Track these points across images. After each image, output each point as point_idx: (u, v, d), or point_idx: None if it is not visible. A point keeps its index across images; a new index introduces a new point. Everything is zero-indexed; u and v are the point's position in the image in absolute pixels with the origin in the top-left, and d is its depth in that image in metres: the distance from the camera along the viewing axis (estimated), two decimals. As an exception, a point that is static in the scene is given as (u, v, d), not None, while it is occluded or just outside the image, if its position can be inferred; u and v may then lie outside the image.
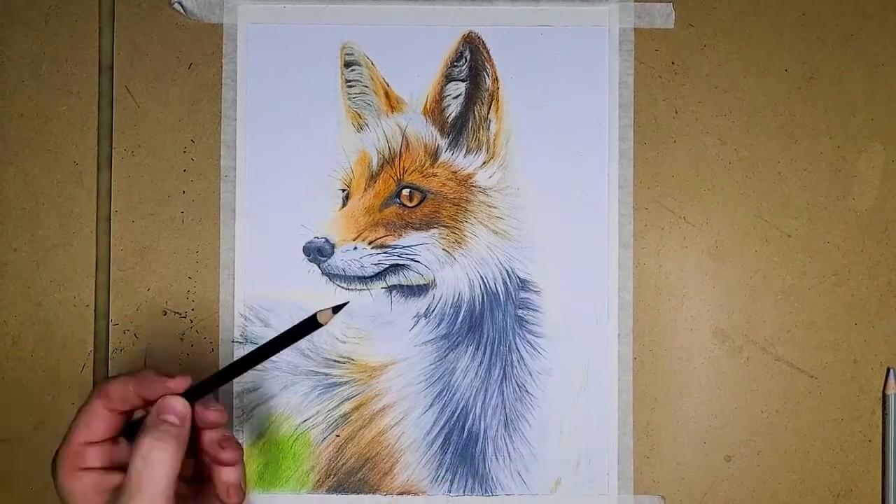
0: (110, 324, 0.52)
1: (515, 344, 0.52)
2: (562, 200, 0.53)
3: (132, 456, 0.39)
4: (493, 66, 0.53)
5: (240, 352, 0.52)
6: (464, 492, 0.52)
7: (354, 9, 0.53)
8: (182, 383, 0.41)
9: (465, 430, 0.52)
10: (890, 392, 0.52)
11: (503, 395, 0.52)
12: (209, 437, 0.42)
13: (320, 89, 0.53)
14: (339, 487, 0.52)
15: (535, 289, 0.52)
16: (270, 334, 0.52)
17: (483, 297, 0.52)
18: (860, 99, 0.53)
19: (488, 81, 0.53)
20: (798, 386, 0.53)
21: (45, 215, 0.52)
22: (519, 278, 0.52)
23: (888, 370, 0.52)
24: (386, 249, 0.52)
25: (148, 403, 0.41)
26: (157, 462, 0.38)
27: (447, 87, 0.53)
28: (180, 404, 0.41)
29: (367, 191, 0.52)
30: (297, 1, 0.53)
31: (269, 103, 0.53)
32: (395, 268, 0.52)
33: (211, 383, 0.42)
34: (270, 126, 0.53)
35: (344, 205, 0.52)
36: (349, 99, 0.53)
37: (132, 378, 0.41)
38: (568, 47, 0.53)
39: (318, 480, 0.52)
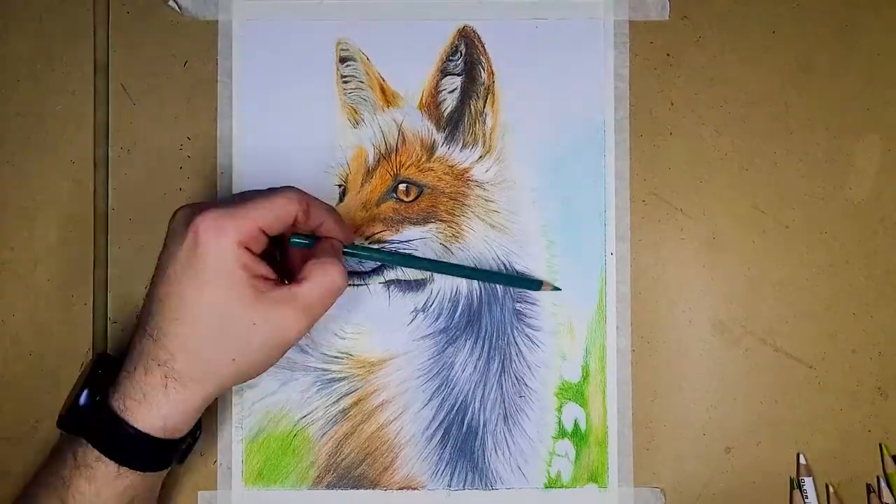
0: (109, 322, 0.52)
1: (514, 337, 0.52)
2: (558, 194, 0.53)
3: (319, 271, 0.43)
4: (488, 59, 0.53)
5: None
6: (464, 486, 0.52)
7: (349, 4, 0.53)
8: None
9: (465, 425, 0.52)
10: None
11: (502, 388, 0.52)
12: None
13: (316, 85, 0.53)
14: (339, 483, 0.52)
15: (532, 282, 0.52)
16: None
17: (481, 291, 0.52)
18: (856, 89, 0.53)
19: (484, 75, 0.53)
20: (797, 376, 0.53)
21: (43, 214, 0.52)
22: (517, 272, 0.52)
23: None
24: (383, 245, 0.52)
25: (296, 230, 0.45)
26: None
27: (443, 81, 0.53)
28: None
29: (363, 186, 0.52)
30: (292, -3, 0.53)
31: (265, 100, 0.53)
32: (392, 263, 0.52)
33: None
34: (266, 123, 0.53)
35: (340, 201, 0.52)
36: (345, 94, 0.53)
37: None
38: (563, 40, 0.53)
39: (318, 476, 0.52)
